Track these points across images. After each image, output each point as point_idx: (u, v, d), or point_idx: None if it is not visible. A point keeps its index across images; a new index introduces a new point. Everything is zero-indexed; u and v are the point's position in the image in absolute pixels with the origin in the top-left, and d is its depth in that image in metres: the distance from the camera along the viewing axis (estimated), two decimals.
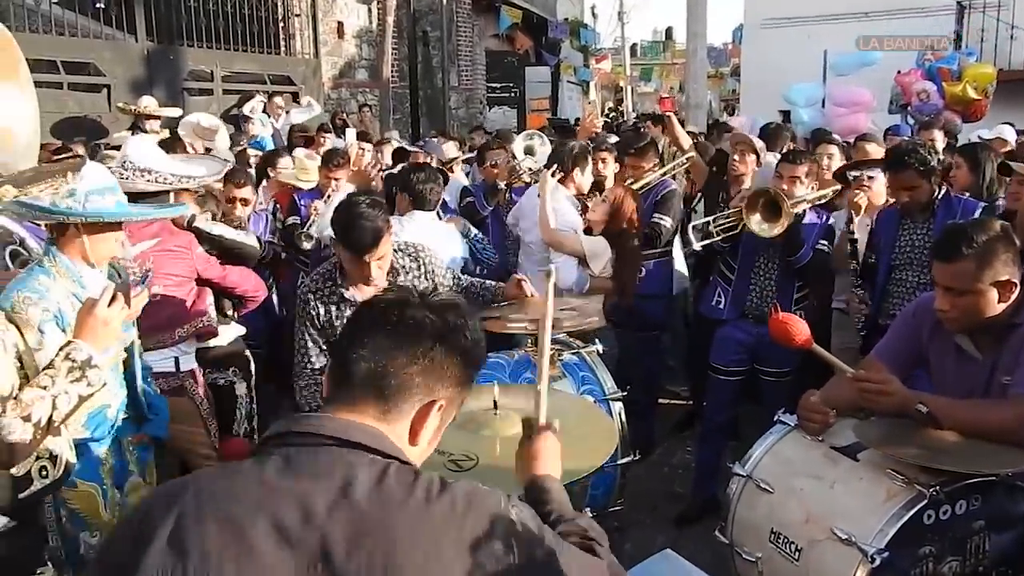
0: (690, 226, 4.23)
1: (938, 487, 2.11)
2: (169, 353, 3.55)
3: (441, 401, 1.40)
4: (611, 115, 36.81)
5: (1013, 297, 2.40)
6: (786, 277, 4.16)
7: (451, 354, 1.39)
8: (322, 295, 3.11)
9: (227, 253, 3.95)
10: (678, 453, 5.36)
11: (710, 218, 4.20)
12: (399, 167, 6.72)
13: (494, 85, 20.07)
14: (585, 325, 3.03)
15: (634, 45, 36.56)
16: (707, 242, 4.18)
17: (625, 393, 2.96)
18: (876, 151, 5.12)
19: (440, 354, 1.38)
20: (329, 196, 5.02)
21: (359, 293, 3.11)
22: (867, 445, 2.26)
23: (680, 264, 5.46)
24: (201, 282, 3.73)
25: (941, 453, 2.15)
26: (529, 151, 5.59)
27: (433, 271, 3.28)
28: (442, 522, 1.24)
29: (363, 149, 7.94)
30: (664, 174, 5.28)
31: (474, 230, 4.85)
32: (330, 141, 10.11)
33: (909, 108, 10.39)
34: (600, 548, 1.47)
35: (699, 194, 5.80)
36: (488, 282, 3.47)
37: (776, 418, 2.66)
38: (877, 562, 2.06)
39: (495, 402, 2.06)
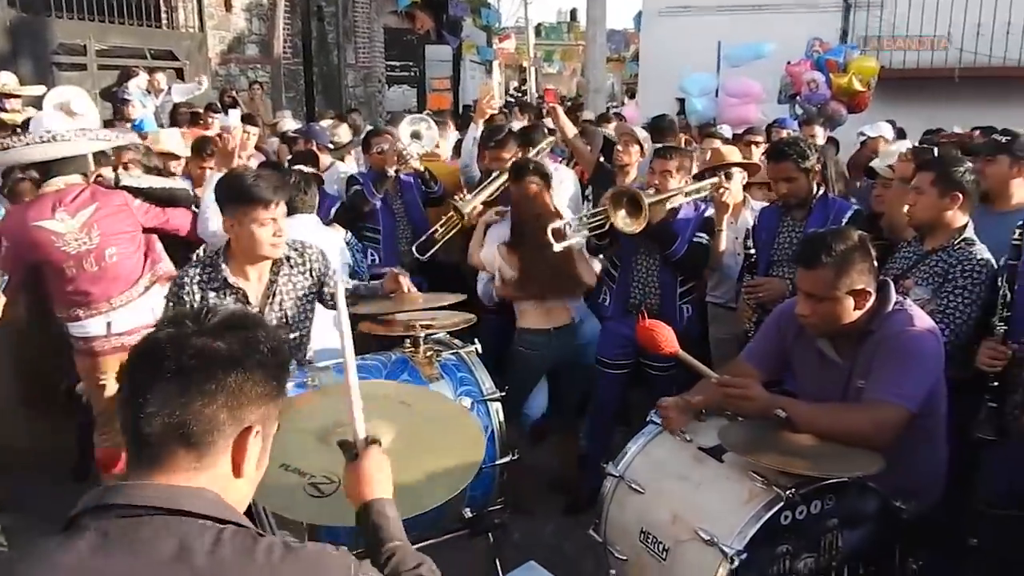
0: (564, 223, 4.23)
1: (795, 489, 2.19)
2: (144, 305, 3.84)
3: (256, 426, 1.29)
4: (515, 96, 36.88)
5: (868, 305, 2.50)
6: (667, 272, 4.23)
7: (250, 374, 1.26)
8: (201, 280, 3.01)
9: (160, 202, 4.08)
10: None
11: (579, 215, 4.23)
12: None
13: (393, 64, 19.73)
14: (461, 324, 3.02)
15: (538, 25, 36.59)
16: (577, 238, 4.20)
17: (503, 393, 2.95)
18: (729, 151, 5.24)
19: (238, 379, 1.25)
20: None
21: (243, 280, 3.03)
22: (728, 449, 2.32)
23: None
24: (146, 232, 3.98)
25: (798, 457, 2.23)
26: (416, 135, 5.50)
27: (317, 269, 3.22)
28: None
29: (248, 132, 7.68)
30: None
31: (351, 239, 4.74)
32: (218, 121, 9.73)
33: (798, 98, 10.72)
34: None
35: (588, 184, 5.87)
36: (373, 283, 3.42)
37: (648, 418, 2.71)
38: (736, 563, 2.12)
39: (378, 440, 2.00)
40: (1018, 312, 2.96)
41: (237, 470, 1.27)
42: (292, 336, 3.15)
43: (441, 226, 5.34)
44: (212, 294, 3.00)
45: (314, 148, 6.16)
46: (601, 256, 4.58)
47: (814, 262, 2.51)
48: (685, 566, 2.26)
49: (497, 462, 2.88)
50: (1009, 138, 3.80)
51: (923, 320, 2.55)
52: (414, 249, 5.28)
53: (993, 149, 3.77)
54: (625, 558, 2.49)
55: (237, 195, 2.90)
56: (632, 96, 23.61)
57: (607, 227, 4.13)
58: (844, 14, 13.71)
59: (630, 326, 4.23)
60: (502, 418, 2.93)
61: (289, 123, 10.63)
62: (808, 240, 2.64)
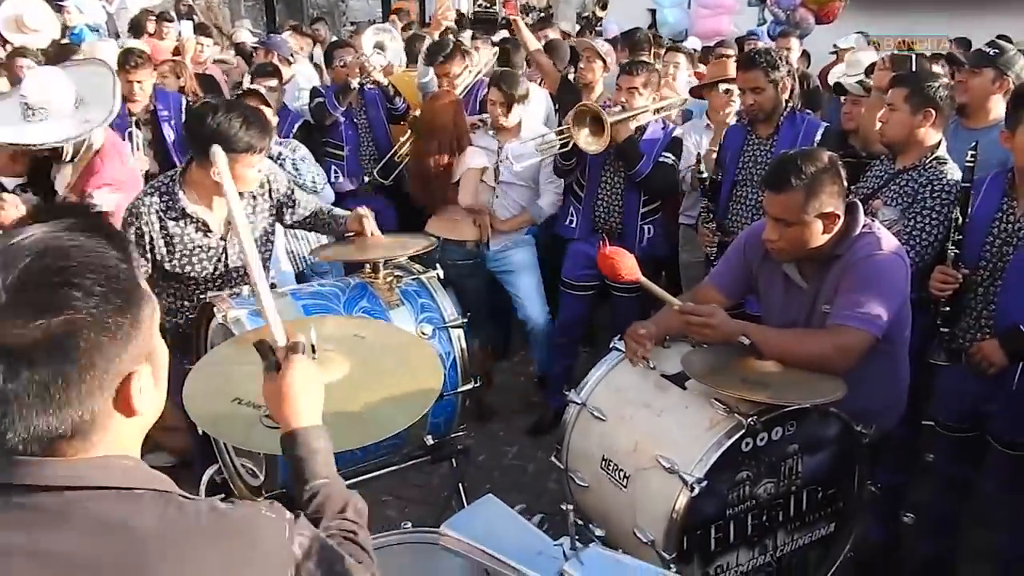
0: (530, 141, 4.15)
1: (756, 417, 2.17)
2: None
3: (134, 368, 1.06)
4: (484, 5, 35.86)
5: (836, 228, 2.45)
6: (632, 191, 4.16)
7: (98, 324, 1.00)
8: (159, 209, 2.88)
9: None
10: (534, 362, 5.42)
11: (542, 135, 4.14)
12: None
13: None
14: (421, 250, 2.94)
15: None
16: (542, 157, 4.16)
17: (465, 320, 2.89)
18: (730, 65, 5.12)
19: (86, 335, 0.99)
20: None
21: (204, 208, 2.92)
22: (691, 376, 2.29)
23: None
24: None
25: (760, 385, 2.21)
26: (379, 47, 5.30)
27: (278, 191, 3.13)
28: (209, 549, 1.05)
29: (201, 44, 7.34)
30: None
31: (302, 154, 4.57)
32: (173, 31, 9.27)
33: (767, 3, 10.43)
34: (365, 557, 1.31)
35: (554, 100, 5.71)
36: (336, 211, 3.30)
37: (611, 344, 2.68)
38: (696, 491, 2.12)
39: (312, 346, 1.93)
40: (970, 236, 2.93)
41: (130, 411, 1.07)
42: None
43: (400, 146, 5.22)
44: (171, 223, 2.89)
45: (275, 60, 5.87)
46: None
47: (783, 185, 2.44)
48: (646, 493, 2.26)
49: (459, 389, 2.83)
50: (997, 51, 3.71)
51: (890, 243, 2.51)
52: (375, 173, 5.16)
53: (980, 61, 3.68)
54: (586, 485, 2.49)
55: (225, 143, 2.68)
56: (604, 6, 23.00)
57: (571, 146, 4.05)
58: None
59: (595, 245, 4.25)
60: (464, 344, 2.87)
61: (246, 35, 10.20)
62: (778, 162, 2.56)
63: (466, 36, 6.52)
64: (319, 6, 16.98)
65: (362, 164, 5.33)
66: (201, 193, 2.89)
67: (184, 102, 5.09)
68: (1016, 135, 2.83)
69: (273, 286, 3.13)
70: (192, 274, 2.96)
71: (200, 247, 2.94)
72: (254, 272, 1.65)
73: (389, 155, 5.26)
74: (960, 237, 2.94)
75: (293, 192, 3.18)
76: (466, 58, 5.26)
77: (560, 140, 4.10)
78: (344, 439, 1.75)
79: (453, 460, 3.00)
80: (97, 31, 8.58)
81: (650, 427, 2.35)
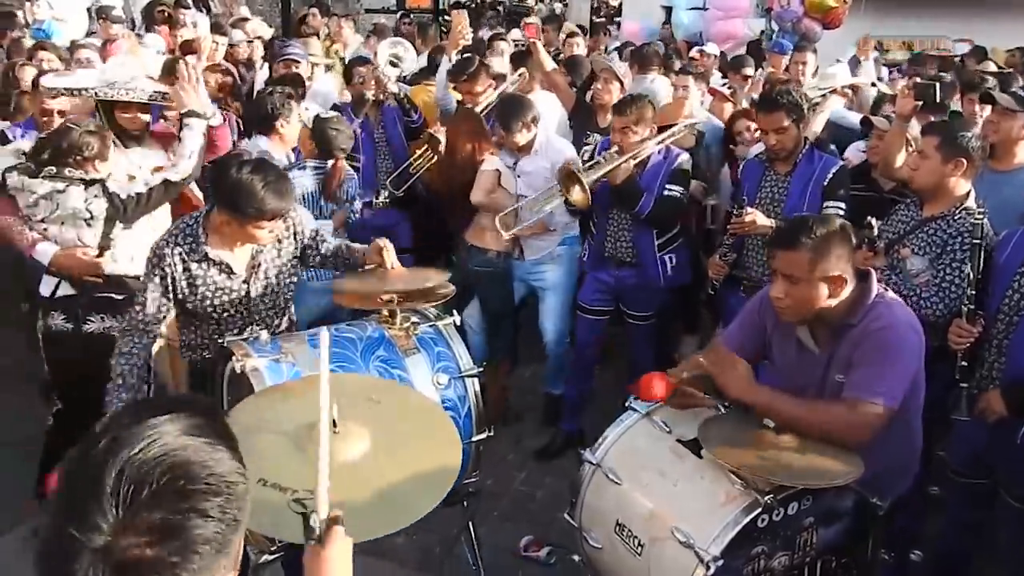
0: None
1: (772, 494, 2.18)
2: None
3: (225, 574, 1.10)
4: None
5: (845, 294, 2.46)
6: (641, 225, 4.18)
7: (212, 543, 1.05)
8: (182, 253, 2.89)
9: None
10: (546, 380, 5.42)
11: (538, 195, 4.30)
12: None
13: None
14: (441, 299, 2.93)
15: None
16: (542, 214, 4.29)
17: (481, 369, 2.90)
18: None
19: (199, 555, 1.03)
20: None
21: (226, 251, 2.93)
22: (707, 448, 2.30)
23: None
24: None
25: (777, 461, 2.21)
26: (395, 60, 5.30)
27: (302, 232, 3.14)
28: None
29: (216, 43, 7.26)
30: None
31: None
32: (190, 19, 9.20)
33: (772, 12, 10.34)
34: None
35: (569, 120, 5.68)
36: (354, 245, 3.30)
37: (627, 403, 2.68)
38: (712, 568, 2.13)
39: (333, 420, 1.93)
40: (995, 287, 2.97)
41: None
42: (276, 301, 3.10)
43: (415, 159, 5.22)
44: (195, 266, 2.90)
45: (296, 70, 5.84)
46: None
47: (793, 243, 2.45)
48: (660, 564, 2.27)
49: (473, 439, 2.84)
50: None
51: (903, 313, 2.51)
52: (389, 185, 5.17)
53: (1017, 104, 3.65)
54: (600, 547, 2.50)
55: (244, 208, 2.74)
56: None
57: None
58: None
59: (608, 272, 4.32)
60: (478, 390, 2.88)
61: (264, 28, 10.12)
62: (789, 221, 2.59)
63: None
64: None
65: (379, 177, 5.33)
66: (224, 238, 2.90)
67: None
68: None
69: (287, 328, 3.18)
70: (214, 314, 2.98)
71: (222, 289, 2.95)
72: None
73: (402, 168, 5.27)
74: (974, 292, 2.97)
75: (317, 233, 3.19)
76: (489, 78, 5.25)
77: (559, 197, 4.14)
78: (368, 528, 1.75)
79: (464, 502, 3.04)
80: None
81: (665, 496, 2.36)
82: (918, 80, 4.15)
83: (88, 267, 3.49)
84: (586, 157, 5.09)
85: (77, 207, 3.42)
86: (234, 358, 2.62)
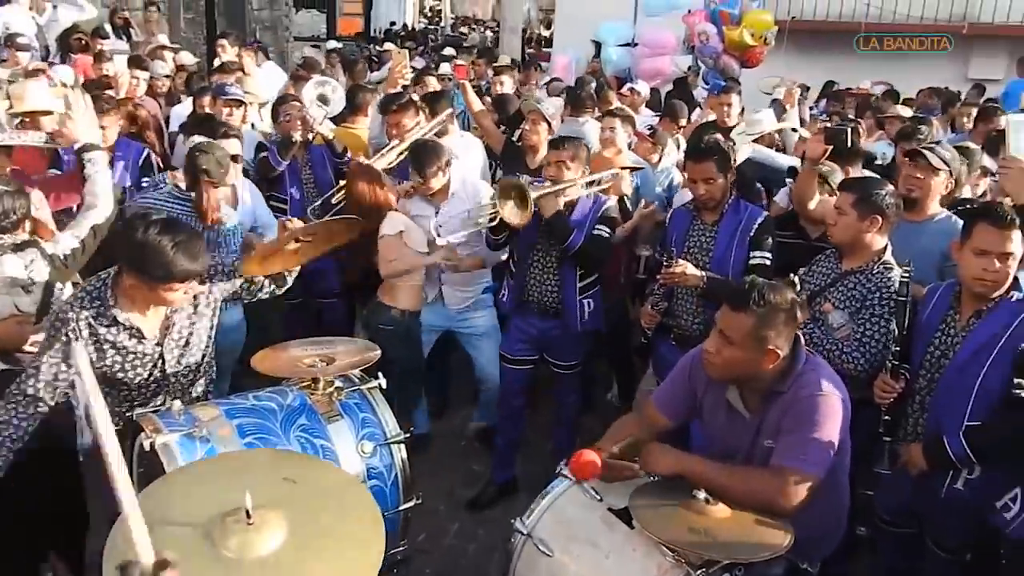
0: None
1: (705, 568, 2.15)
2: None
3: None
4: (430, 15, 35.76)
5: (775, 365, 2.46)
6: (567, 266, 4.12)
7: None
8: (88, 316, 2.71)
9: None
10: (479, 414, 5.34)
11: (471, 209, 4.14)
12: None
13: None
14: (365, 363, 2.84)
15: None
16: (467, 231, 4.15)
17: (409, 435, 2.81)
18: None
19: None
20: None
21: (137, 315, 2.78)
22: (638, 521, 2.26)
23: None
24: None
25: (707, 535, 2.18)
26: (322, 100, 5.18)
27: (219, 288, 3.01)
28: None
29: (137, 79, 7.04)
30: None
31: None
32: (108, 47, 8.90)
33: (695, 49, 10.58)
34: None
35: (498, 161, 5.68)
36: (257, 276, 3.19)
37: (558, 471, 2.63)
38: None
39: (247, 511, 1.82)
40: (916, 344, 3.03)
41: None
42: (192, 366, 2.95)
43: (339, 191, 5.10)
44: (103, 330, 2.73)
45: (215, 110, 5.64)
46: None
47: (741, 305, 2.46)
48: None
49: (401, 507, 2.75)
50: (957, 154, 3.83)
51: (829, 379, 2.52)
52: (309, 213, 5.02)
53: (941, 163, 3.73)
54: None
55: (153, 271, 2.60)
56: (548, 26, 23.12)
57: (498, 220, 4.02)
58: None
59: (531, 323, 4.25)
60: (406, 460, 2.80)
61: (187, 56, 9.85)
62: (744, 282, 2.58)
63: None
64: (261, 20, 16.61)
65: (306, 218, 5.20)
66: (134, 301, 2.75)
67: (145, 155, 5.12)
68: (964, 250, 2.90)
69: (207, 396, 3.03)
70: (125, 380, 2.81)
71: (133, 354, 2.79)
72: (112, 465, 1.39)
73: (324, 198, 5.11)
74: (898, 348, 3.03)
75: (241, 284, 3.08)
76: (419, 113, 5.19)
77: (489, 213, 4.06)
78: None
79: (394, 570, 2.94)
80: None
81: (598, 569, 2.31)
82: (828, 125, 4.26)
83: (22, 339, 3.11)
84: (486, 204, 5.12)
85: (16, 275, 3.08)
86: (143, 434, 2.49)
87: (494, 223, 4.06)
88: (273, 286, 3.21)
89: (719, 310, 2.58)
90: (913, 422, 3.05)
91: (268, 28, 16.57)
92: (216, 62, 8.88)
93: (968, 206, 3.87)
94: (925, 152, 3.73)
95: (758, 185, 4.82)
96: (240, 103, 5.56)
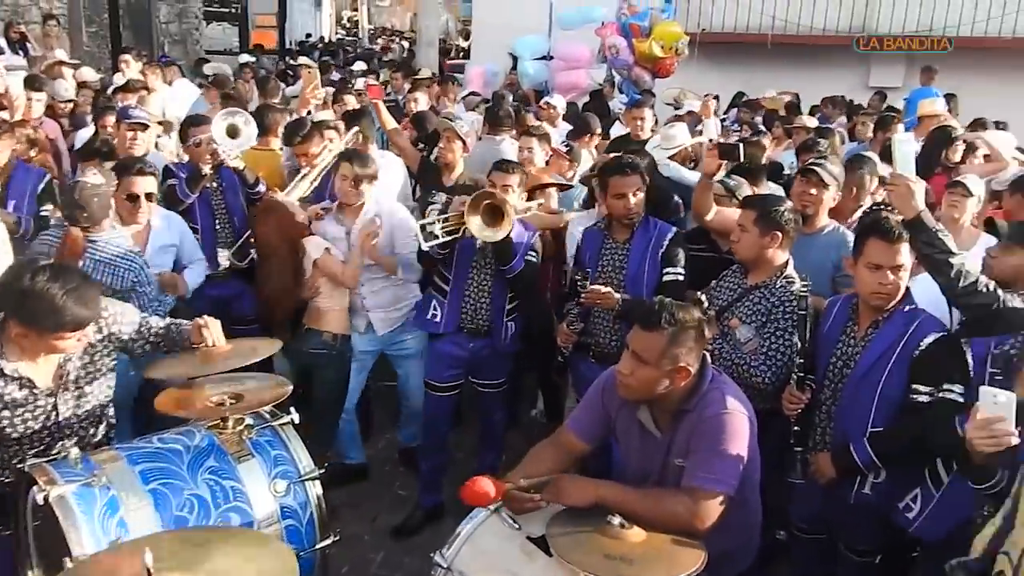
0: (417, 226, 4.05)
1: None
2: None
3: None
4: (347, 26, 35.40)
5: (684, 384, 2.50)
6: (499, 288, 4.13)
7: None
8: None
9: None
10: (403, 433, 5.27)
11: (433, 218, 3.99)
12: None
13: None
14: (275, 400, 2.76)
15: None
16: (434, 243, 3.97)
17: (323, 470, 2.75)
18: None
19: None
20: None
21: (27, 364, 2.63)
22: (555, 549, 2.25)
23: None
24: None
25: (622, 561, 2.19)
26: (232, 132, 5.00)
27: (117, 331, 2.86)
28: None
29: (31, 99, 6.70)
30: None
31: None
32: (3, 63, 8.50)
33: (608, 61, 10.75)
34: None
35: (414, 180, 5.64)
36: (184, 324, 3.06)
37: None
38: None
39: (148, 571, 1.75)
40: (819, 356, 3.14)
41: None
42: (91, 411, 2.82)
43: (249, 237, 4.98)
44: None
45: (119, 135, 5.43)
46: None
47: (652, 324, 2.49)
48: None
49: (317, 546, 2.69)
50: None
51: (735, 396, 2.58)
52: (231, 256, 4.90)
53: (829, 179, 3.87)
54: None
55: (42, 321, 2.48)
56: (467, 37, 23.18)
57: (461, 233, 3.96)
58: None
59: (461, 345, 4.21)
60: (320, 493, 2.73)
61: (90, 72, 9.49)
62: (654, 302, 2.62)
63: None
64: (170, 34, 16.17)
65: (218, 248, 5.04)
66: (22, 349, 2.61)
67: (46, 181, 4.91)
68: (858, 265, 3.00)
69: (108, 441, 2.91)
70: (15, 434, 2.66)
71: (23, 406, 2.64)
72: None
73: (243, 239, 5.01)
74: (802, 360, 3.13)
75: (143, 323, 2.94)
76: (324, 137, 5.11)
77: (447, 226, 3.97)
78: None
79: None
80: None
81: None
82: (721, 142, 4.37)
83: None
84: (433, 216, 5.06)
85: None
86: (36, 487, 2.36)
87: (452, 237, 3.98)
88: (166, 350, 3.05)
89: (630, 331, 2.61)
90: (821, 431, 3.13)
91: (177, 42, 16.19)
92: (119, 78, 8.60)
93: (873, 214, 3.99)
94: (815, 168, 3.87)
95: (676, 199, 4.88)
96: (145, 126, 5.35)
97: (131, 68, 8.93)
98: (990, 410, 2.15)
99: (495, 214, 3.86)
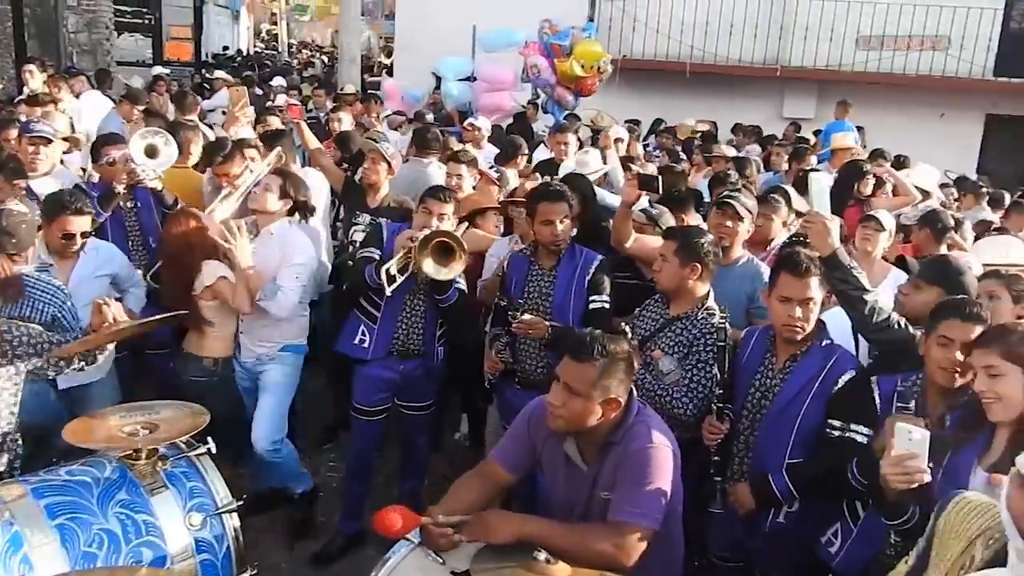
0: (382, 271, 3.86)
1: None
2: None
3: None
4: (266, 39, 34.81)
5: (614, 415, 2.52)
6: (432, 315, 4.11)
7: None
8: None
9: None
10: (320, 471, 5.17)
11: (390, 263, 3.87)
12: None
13: (124, 8, 17.72)
14: (191, 431, 2.67)
15: None
16: (395, 286, 3.89)
17: (241, 502, 2.67)
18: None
19: None
20: None
21: None
22: None
23: None
24: None
25: None
26: (151, 152, 4.83)
27: (25, 348, 2.78)
28: None
29: None
30: None
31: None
32: None
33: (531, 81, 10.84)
34: None
35: (339, 200, 5.57)
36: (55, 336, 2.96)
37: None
38: None
39: None
40: (737, 387, 3.19)
41: None
42: None
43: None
44: None
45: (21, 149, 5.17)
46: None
47: (584, 355, 2.49)
48: None
49: None
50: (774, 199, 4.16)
51: (659, 430, 2.60)
52: (148, 278, 4.71)
53: (743, 211, 3.94)
54: None
55: None
56: (389, 55, 23.09)
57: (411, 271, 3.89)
58: (591, 1, 14.15)
59: (392, 368, 4.14)
60: (237, 525, 2.65)
61: None
62: (584, 333, 2.62)
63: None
64: (79, 44, 15.55)
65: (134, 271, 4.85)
66: None
67: None
68: (772, 298, 3.09)
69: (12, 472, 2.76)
70: None
71: None
72: None
73: (158, 265, 4.83)
74: (722, 391, 3.18)
75: (45, 348, 2.83)
76: (246, 157, 5.00)
77: (397, 265, 3.88)
78: None
79: None
80: None
81: None
82: (640, 172, 4.41)
83: None
84: (358, 238, 4.99)
85: None
86: None
87: (404, 276, 3.90)
88: (82, 362, 2.97)
89: (560, 362, 2.59)
90: (739, 461, 3.18)
91: (87, 52, 15.57)
92: (25, 90, 8.26)
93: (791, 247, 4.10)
94: (730, 201, 3.94)
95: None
96: (48, 140, 5.11)
97: (35, 79, 8.58)
98: (904, 446, 2.19)
99: (446, 252, 3.83)
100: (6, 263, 3.46)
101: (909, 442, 2.19)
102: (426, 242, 3.80)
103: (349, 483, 4.42)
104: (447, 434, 5.54)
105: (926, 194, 6.17)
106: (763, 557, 3.21)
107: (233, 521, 2.65)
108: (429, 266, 3.80)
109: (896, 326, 2.94)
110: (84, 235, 3.95)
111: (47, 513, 2.37)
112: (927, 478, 2.19)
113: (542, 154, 7.63)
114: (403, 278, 3.92)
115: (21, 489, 2.45)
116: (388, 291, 3.86)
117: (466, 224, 4.40)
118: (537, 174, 6.11)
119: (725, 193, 4.12)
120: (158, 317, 3.02)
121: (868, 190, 6.26)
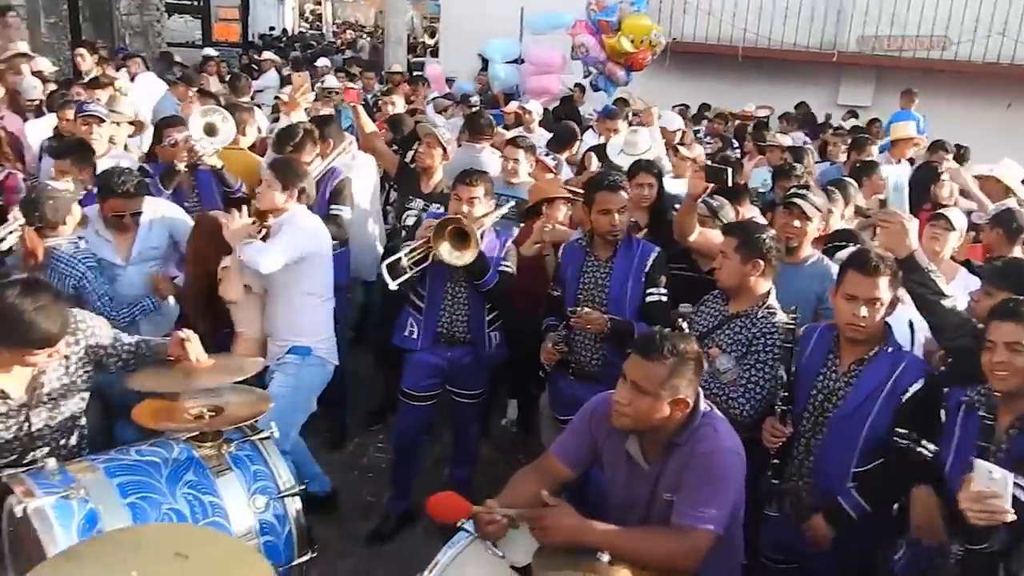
0: (383, 265, 3.97)
1: None
2: None
3: None
4: (310, 20, 34.96)
5: (681, 416, 2.49)
6: (477, 301, 4.10)
7: None
8: None
9: None
10: (368, 451, 5.24)
11: (401, 254, 3.93)
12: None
13: None
14: (255, 415, 2.71)
15: None
16: (403, 279, 3.93)
17: (304, 487, 2.71)
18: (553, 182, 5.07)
19: None
20: None
21: (2, 377, 2.58)
22: None
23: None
24: None
25: None
26: (210, 130, 4.89)
27: (93, 343, 2.83)
28: None
29: None
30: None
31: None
32: None
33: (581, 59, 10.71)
34: None
35: (392, 185, 5.58)
36: (154, 340, 3.03)
37: (458, 524, 2.57)
38: None
39: None
40: (798, 388, 3.08)
41: None
42: (65, 421, 2.76)
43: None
44: None
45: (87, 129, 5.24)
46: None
47: (653, 353, 2.46)
48: None
49: (295, 562, 2.65)
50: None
51: (727, 434, 2.56)
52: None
53: (810, 211, 3.81)
54: None
55: (10, 337, 2.46)
56: (432, 35, 23.06)
57: (430, 260, 3.90)
58: None
59: (439, 355, 4.16)
60: (300, 509, 2.69)
61: (44, 63, 9.22)
62: (654, 331, 2.58)
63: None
64: (131, 26, 15.75)
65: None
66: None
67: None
68: (837, 296, 2.99)
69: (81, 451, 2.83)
70: None
71: None
72: None
73: None
74: (786, 394, 3.08)
75: (117, 338, 2.90)
76: (318, 145, 4.99)
77: (418, 256, 3.91)
78: None
79: None
80: None
81: None
82: (708, 164, 4.30)
83: None
84: (411, 222, 5.00)
85: None
86: (13, 498, 2.30)
87: (423, 264, 3.91)
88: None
89: (627, 359, 2.55)
90: (798, 464, 3.09)
91: (138, 34, 15.76)
92: (82, 72, 8.39)
93: (838, 242, 3.99)
94: (798, 202, 3.81)
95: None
96: (101, 120, 5.18)
97: (86, 62, 8.71)
98: (984, 484, 2.12)
99: (462, 237, 3.83)
100: (33, 236, 3.62)
101: (990, 480, 2.12)
102: (442, 227, 3.81)
103: (396, 464, 4.46)
104: (494, 419, 5.55)
105: (1009, 192, 5.64)
106: (815, 562, 3.12)
107: (296, 505, 2.69)
108: (445, 251, 3.81)
109: (974, 333, 2.81)
110: (134, 215, 4.04)
111: (119, 492, 2.43)
112: (1011, 517, 2.11)
113: (591, 139, 7.57)
114: (417, 270, 3.92)
115: (94, 467, 2.51)
116: (392, 285, 3.87)
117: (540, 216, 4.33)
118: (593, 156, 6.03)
119: (792, 192, 3.98)
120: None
121: (945, 192, 5.70)
